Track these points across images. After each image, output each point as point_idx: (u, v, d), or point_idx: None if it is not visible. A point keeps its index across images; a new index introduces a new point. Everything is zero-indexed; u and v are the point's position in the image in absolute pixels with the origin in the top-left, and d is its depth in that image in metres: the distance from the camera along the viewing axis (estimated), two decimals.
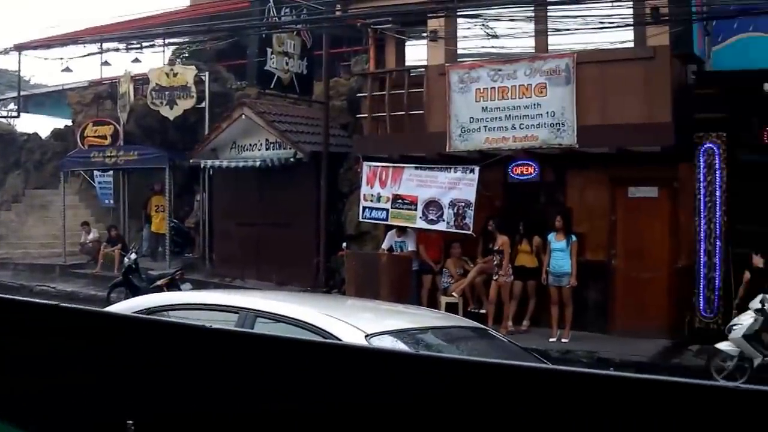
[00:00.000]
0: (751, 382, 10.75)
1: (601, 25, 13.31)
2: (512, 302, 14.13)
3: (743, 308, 11.53)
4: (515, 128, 13.85)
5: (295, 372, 2.00)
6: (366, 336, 4.68)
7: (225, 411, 2.16)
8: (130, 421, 2.58)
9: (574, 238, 13.56)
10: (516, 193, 14.95)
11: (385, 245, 15.44)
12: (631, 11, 13.57)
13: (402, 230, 15.22)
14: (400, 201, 14.99)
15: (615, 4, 13.34)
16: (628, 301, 13.96)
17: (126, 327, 2.85)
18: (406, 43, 16.20)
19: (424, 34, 15.43)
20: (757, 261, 12.19)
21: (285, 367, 2.04)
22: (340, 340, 4.50)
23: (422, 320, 5.84)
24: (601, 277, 14.03)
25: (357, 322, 5.01)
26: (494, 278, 14.01)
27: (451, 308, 14.18)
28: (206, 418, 2.30)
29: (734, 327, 11.13)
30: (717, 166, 13.08)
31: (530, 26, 14.38)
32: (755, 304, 11.17)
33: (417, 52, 15.93)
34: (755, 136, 13.69)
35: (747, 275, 12.12)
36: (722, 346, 11.24)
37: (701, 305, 13.18)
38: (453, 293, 14.54)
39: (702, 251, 13.16)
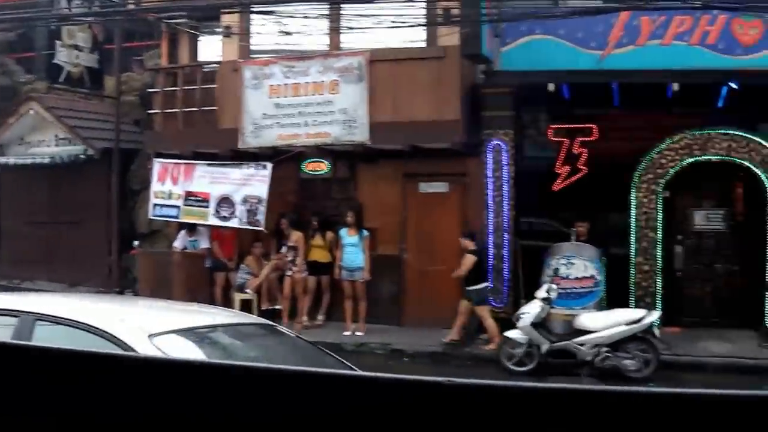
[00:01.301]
0: (539, 367, 11.37)
1: (394, 25, 13.51)
2: (306, 297, 14.12)
3: (530, 297, 11.96)
4: (308, 125, 13.85)
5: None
6: (149, 336, 4.49)
7: None
8: None
9: (365, 233, 13.73)
10: (309, 189, 14.97)
11: (177, 244, 15.07)
12: (423, 11, 13.87)
13: (193, 228, 14.90)
14: (192, 198, 14.67)
15: (407, 4, 13.58)
16: (421, 293, 14.25)
17: None
18: (200, 39, 15.88)
19: (218, 30, 15.20)
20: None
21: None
22: (121, 340, 4.34)
23: (210, 318, 5.69)
24: (393, 271, 14.26)
25: (141, 322, 4.86)
26: (288, 274, 13.93)
27: (246, 305, 14.04)
28: None
29: (522, 315, 11.54)
30: (504, 162, 13.56)
31: (324, 24, 14.43)
32: (541, 293, 11.65)
33: (211, 48, 15.64)
34: (541, 133, 14.33)
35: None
36: (511, 334, 11.62)
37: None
38: (248, 290, 14.37)
39: (491, 244, 13.60)
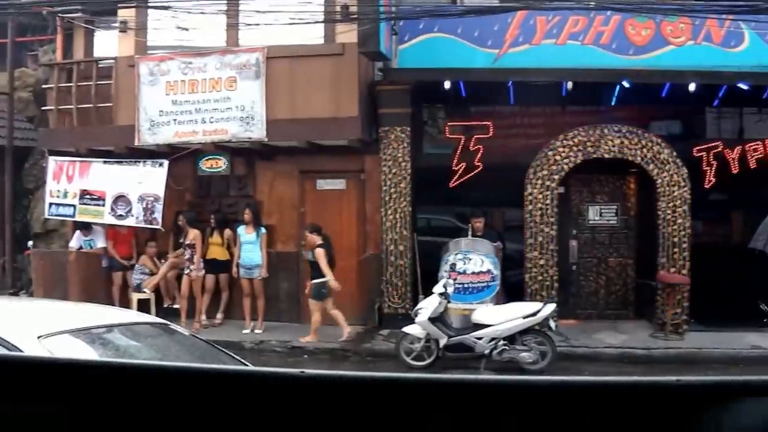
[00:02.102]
0: (437, 361, 11.46)
1: (292, 21, 13.46)
2: (205, 296, 13.97)
3: (428, 292, 12.03)
4: (205, 122, 13.69)
5: None
6: (39, 337, 4.35)
7: None
8: None
9: (263, 230, 13.67)
10: (206, 186, 14.80)
11: (73, 243, 14.73)
12: (321, 8, 13.84)
13: (89, 227, 14.59)
14: (87, 196, 14.36)
15: (305, 0, 13.53)
16: None
17: None
18: (96, 33, 15.57)
19: (114, 25, 14.91)
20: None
21: None
22: (7, 341, 4.15)
23: (104, 318, 5.57)
24: (292, 268, 14.20)
25: (30, 323, 4.71)
26: (186, 272, 13.76)
27: (144, 305, 13.84)
28: None
29: (420, 311, 11.57)
30: (401, 159, 13.62)
31: (222, 20, 14.28)
32: (438, 288, 11.71)
33: (107, 43, 15.33)
34: (439, 130, 14.46)
35: None
36: (410, 329, 11.66)
37: (389, 292, 13.68)
38: (145, 290, 14.16)
39: (388, 240, 13.67)
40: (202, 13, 14.09)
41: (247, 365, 4.77)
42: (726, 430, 1.42)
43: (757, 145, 13.92)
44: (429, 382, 1.55)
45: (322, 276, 12.69)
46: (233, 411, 1.52)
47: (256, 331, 13.61)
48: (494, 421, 1.47)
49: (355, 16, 13.22)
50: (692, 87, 13.42)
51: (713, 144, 13.97)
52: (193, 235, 13.65)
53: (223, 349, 5.66)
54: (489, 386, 1.53)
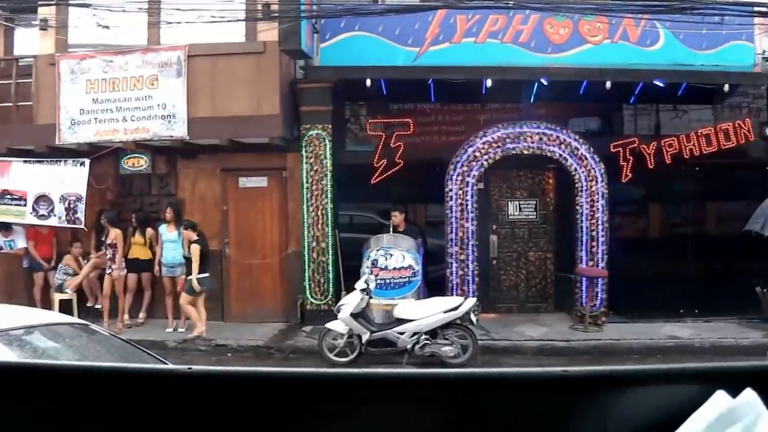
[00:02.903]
0: (360, 356, 11.52)
1: (213, 20, 13.45)
2: (127, 295, 13.89)
3: (351, 289, 12.11)
4: (126, 120, 13.61)
5: None
6: None
7: None
8: None
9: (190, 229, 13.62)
10: (128, 185, 14.71)
11: None
12: (242, 7, 13.85)
13: (9, 228, 14.42)
14: (8, 196, 14.15)
15: None
16: (243, 287, 14.30)
17: None
18: (16, 31, 15.40)
19: (35, 22, 14.76)
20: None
21: None
22: None
23: (23, 319, 5.53)
24: (215, 266, 14.14)
25: None
26: (108, 272, 13.68)
27: (66, 305, 13.71)
28: None
29: (342, 307, 11.62)
30: (323, 156, 13.70)
31: (143, 18, 14.22)
32: (360, 284, 11.76)
33: (27, 41, 15.17)
34: (361, 128, 14.55)
35: None
36: (332, 325, 11.69)
37: (312, 288, 13.75)
38: (67, 290, 14.04)
39: (310, 237, 13.73)
40: (123, 11, 14.01)
41: (166, 364, 4.79)
42: (612, 417, 1.48)
43: (672, 140, 14.21)
44: (313, 377, 1.59)
45: (200, 271, 12.78)
46: (123, 408, 1.53)
47: (180, 329, 13.57)
48: (372, 413, 1.52)
49: (277, 14, 13.25)
50: (609, 85, 13.66)
51: (629, 140, 14.24)
52: (114, 234, 13.57)
53: (145, 349, 5.66)
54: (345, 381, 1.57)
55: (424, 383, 1.53)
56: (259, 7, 13.55)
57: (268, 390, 1.52)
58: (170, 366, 1.49)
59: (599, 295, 13.78)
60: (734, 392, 1.41)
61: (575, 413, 1.48)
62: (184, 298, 12.97)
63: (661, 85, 13.90)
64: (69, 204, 13.88)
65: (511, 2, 13.31)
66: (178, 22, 13.67)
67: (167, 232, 13.57)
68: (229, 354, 12.78)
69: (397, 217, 13.31)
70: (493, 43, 13.93)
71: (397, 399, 1.50)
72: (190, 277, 12.83)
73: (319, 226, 13.72)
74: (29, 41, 15.01)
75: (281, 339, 13.18)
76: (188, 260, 12.96)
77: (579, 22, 14.07)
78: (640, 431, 1.47)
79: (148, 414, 1.52)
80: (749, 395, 1.40)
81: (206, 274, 12.99)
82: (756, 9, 13.85)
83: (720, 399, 1.42)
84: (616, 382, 1.52)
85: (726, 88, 14.23)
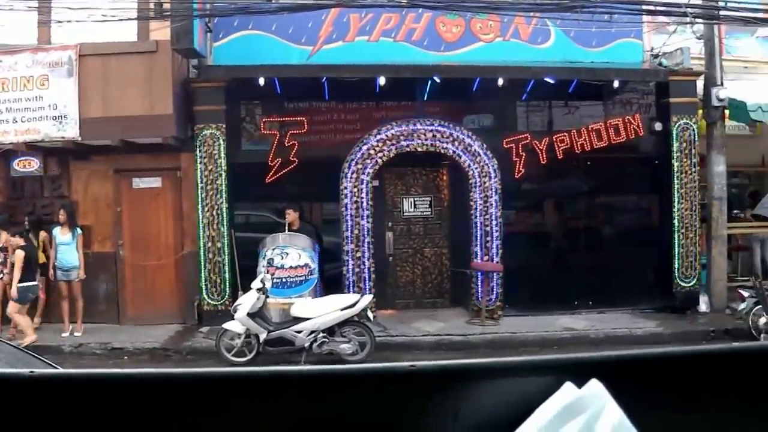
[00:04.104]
0: (258, 356, 11.49)
1: (105, 18, 13.30)
2: None
3: (247, 288, 12.10)
4: (17, 121, 13.35)
5: None
6: None
7: None
8: None
9: (79, 231, 13.47)
10: (20, 187, 14.44)
11: None
12: (134, 5, 13.72)
13: None
14: None
15: None
16: (138, 289, 14.15)
17: None
18: None
19: None
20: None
21: None
22: None
23: None
24: (110, 268, 14.05)
25: None
26: None
27: None
28: None
29: (239, 306, 11.60)
30: (217, 156, 13.65)
31: (33, 16, 14.00)
32: (256, 283, 11.74)
33: None
34: (256, 127, 14.55)
35: None
36: (229, 325, 11.65)
37: (208, 289, 13.70)
38: None
39: (206, 237, 13.68)
40: (11, 9, 13.79)
41: (57, 369, 4.72)
42: (463, 411, 1.50)
43: (564, 136, 14.51)
44: (152, 377, 1.56)
45: (27, 279, 12.58)
46: None
47: (75, 333, 13.37)
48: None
49: (169, 13, 13.16)
50: (501, 82, 13.90)
51: (522, 136, 14.49)
52: (4, 238, 13.32)
53: (37, 355, 5.58)
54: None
55: (275, 382, 1.55)
56: (152, 5, 13.43)
57: (117, 392, 1.51)
58: (9, 370, 1.47)
59: (495, 289, 14.01)
60: (582, 383, 1.46)
61: (425, 408, 1.50)
62: (12, 306, 12.62)
63: (552, 82, 14.17)
64: None
65: (404, 1, 13.45)
66: (69, 21, 13.50)
67: (61, 234, 13.38)
68: (126, 357, 12.66)
69: (292, 216, 13.32)
70: (387, 41, 14.09)
71: (259, 398, 1.51)
72: (20, 285, 12.50)
73: (215, 226, 13.66)
74: None
75: (178, 340, 13.09)
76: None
77: (471, 21, 14.32)
78: (491, 424, 1.49)
79: None
80: (595, 385, 1.44)
81: (34, 282, 12.75)
82: (644, 7, 14.21)
83: (568, 390, 1.46)
84: (465, 376, 1.53)
85: (616, 84, 14.61)
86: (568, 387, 1.46)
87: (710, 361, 1.61)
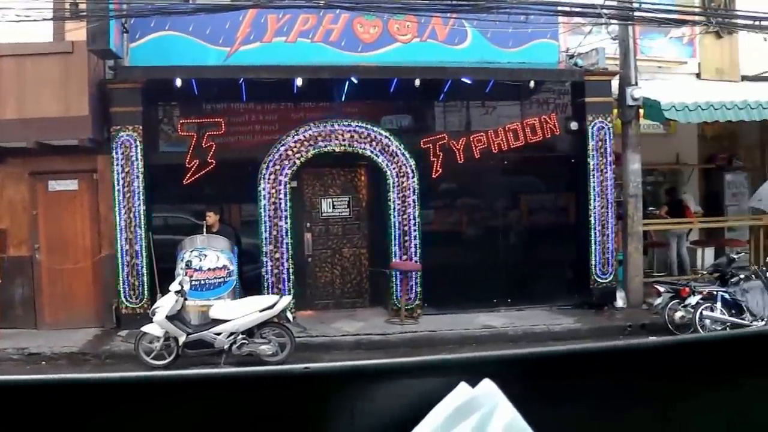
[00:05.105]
0: (177, 359, 11.49)
1: (19, 19, 13.14)
2: None
3: (166, 291, 12.07)
4: None
5: None
6: None
7: None
8: None
9: None
10: None
11: None
12: (50, 5, 13.57)
13: None
14: None
15: None
16: (55, 293, 14.01)
17: None
18: None
19: None
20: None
21: None
22: None
23: None
24: (25, 273, 13.88)
25: None
26: None
27: None
28: None
29: (157, 309, 11.56)
30: (134, 158, 13.57)
31: None
32: (174, 286, 11.73)
33: None
34: (174, 128, 14.49)
35: None
36: (148, 328, 11.61)
37: (126, 292, 13.63)
38: None
39: (123, 240, 13.60)
40: None
41: None
42: (358, 413, 1.51)
43: (481, 135, 14.72)
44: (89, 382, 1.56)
45: None
46: None
47: None
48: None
49: (85, 13, 13.05)
50: (418, 82, 14.03)
51: (439, 136, 14.66)
52: None
53: None
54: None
55: (176, 385, 1.54)
56: (67, 6, 13.30)
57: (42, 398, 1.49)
58: None
59: (414, 288, 14.17)
60: (478, 383, 1.47)
61: (322, 410, 1.52)
62: None
63: (469, 82, 14.37)
64: None
65: (322, 2, 13.49)
66: None
67: None
68: (44, 362, 12.54)
69: (212, 218, 13.32)
70: (304, 42, 14.14)
71: (164, 401, 1.52)
72: None
73: (132, 228, 13.58)
74: None
75: (97, 344, 13.01)
76: None
77: (388, 22, 14.43)
78: (389, 425, 1.50)
79: None
80: (487, 385, 1.47)
81: None
82: (560, 8, 14.46)
83: (462, 390, 1.47)
84: (360, 377, 1.53)
85: (532, 84, 14.84)
86: (463, 387, 1.47)
87: (604, 358, 1.66)
